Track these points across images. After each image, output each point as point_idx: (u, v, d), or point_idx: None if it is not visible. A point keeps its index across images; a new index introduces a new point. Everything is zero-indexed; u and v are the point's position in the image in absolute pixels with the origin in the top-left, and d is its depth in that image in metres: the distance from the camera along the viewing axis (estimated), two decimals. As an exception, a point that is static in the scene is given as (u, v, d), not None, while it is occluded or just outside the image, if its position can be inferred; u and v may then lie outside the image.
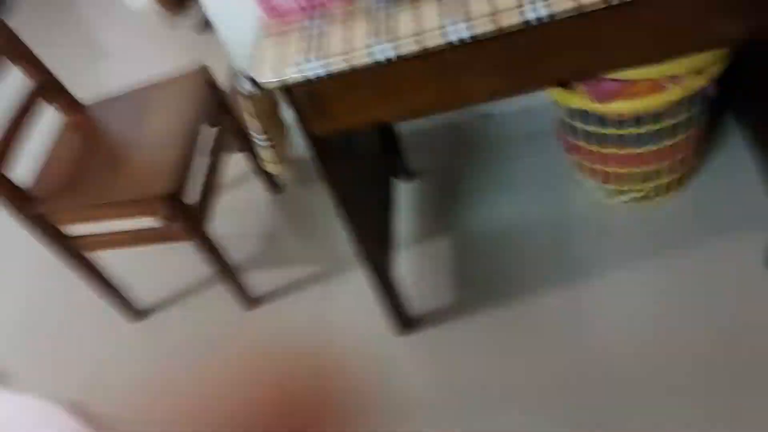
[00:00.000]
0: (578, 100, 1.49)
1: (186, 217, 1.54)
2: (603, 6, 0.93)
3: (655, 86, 1.40)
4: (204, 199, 1.68)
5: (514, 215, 1.83)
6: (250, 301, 1.84)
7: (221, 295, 1.87)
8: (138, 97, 1.82)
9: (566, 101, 1.53)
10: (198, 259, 1.70)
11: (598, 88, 1.42)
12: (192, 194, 1.63)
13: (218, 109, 1.79)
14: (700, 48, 1.10)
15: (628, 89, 1.41)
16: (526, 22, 0.96)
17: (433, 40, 0.98)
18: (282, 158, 1.16)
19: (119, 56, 3.19)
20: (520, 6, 0.95)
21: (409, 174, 1.97)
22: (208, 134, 1.77)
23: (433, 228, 1.90)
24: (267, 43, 1.12)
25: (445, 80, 1.05)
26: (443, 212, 1.91)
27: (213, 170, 1.74)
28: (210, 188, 1.71)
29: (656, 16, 0.98)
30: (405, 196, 1.99)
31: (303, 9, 1.13)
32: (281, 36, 1.12)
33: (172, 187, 1.50)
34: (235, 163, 2.02)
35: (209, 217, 1.70)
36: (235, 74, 1.60)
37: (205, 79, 1.79)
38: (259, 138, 1.12)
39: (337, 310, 1.77)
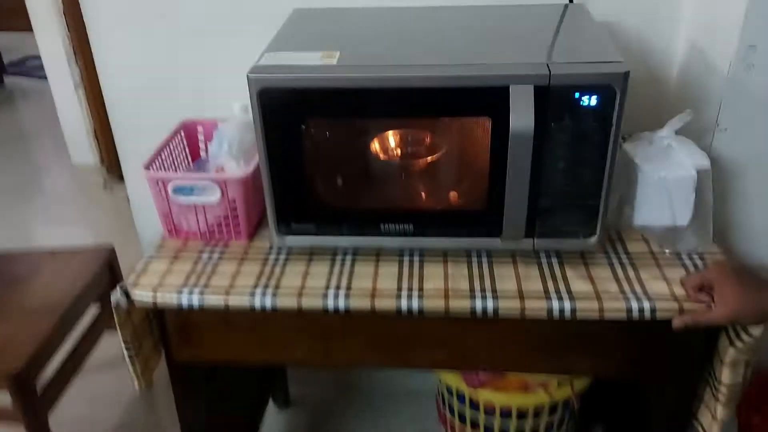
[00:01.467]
0: (453, 378, 1.46)
1: (27, 401, 1.40)
2: (468, 315, 0.97)
3: (523, 385, 1.41)
4: (56, 382, 1.53)
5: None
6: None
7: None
8: (27, 261, 1.68)
9: (443, 376, 1.49)
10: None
11: (471, 373, 1.41)
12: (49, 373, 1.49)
13: (110, 289, 1.58)
14: (553, 372, 1.18)
15: (497, 381, 1.42)
16: (399, 309, 0.97)
17: (312, 302, 0.98)
18: (145, 374, 1.09)
19: (45, 204, 2.96)
20: (398, 290, 0.98)
21: (286, 400, 1.81)
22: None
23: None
24: (155, 260, 1.08)
25: (318, 341, 1.06)
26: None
27: (78, 351, 1.61)
28: (68, 369, 1.57)
29: (516, 336, 1.02)
30: (276, 424, 1.80)
31: (203, 237, 1.12)
32: (173, 257, 1.09)
33: (22, 367, 1.36)
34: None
35: (55, 402, 1.52)
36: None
37: (105, 258, 1.67)
38: (124, 348, 1.05)
39: None
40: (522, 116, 0.89)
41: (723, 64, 1.09)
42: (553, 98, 0.90)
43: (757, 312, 0.91)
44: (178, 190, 1.06)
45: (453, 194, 1.07)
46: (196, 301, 0.99)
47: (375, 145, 1.11)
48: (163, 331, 1.06)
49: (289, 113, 0.95)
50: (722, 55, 1.10)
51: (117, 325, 1.02)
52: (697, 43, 1.21)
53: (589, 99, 0.90)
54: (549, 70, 0.89)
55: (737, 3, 1.04)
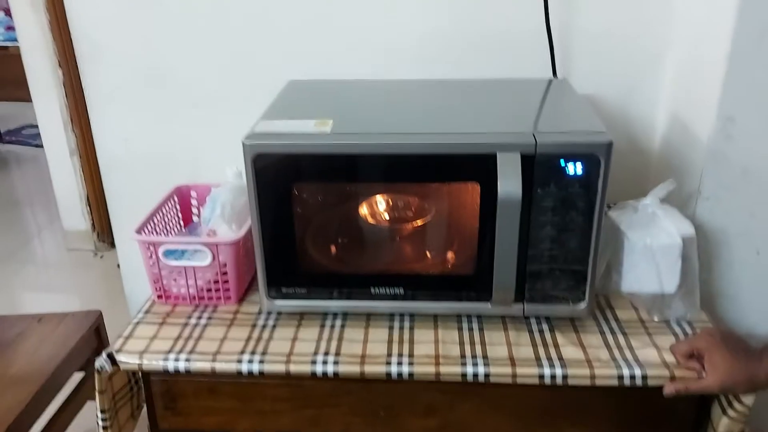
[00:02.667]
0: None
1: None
2: (459, 380, 0.97)
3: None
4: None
5: None
6: None
7: None
8: (12, 326, 1.66)
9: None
10: None
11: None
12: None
13: (95, 356, 1.63)
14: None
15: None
16: (388, 374, 0.97)
17: (301, 368, 0.98)
18: None
19: (35, 271, 2.98)
20: (389, 356, 0.98)
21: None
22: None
23: None
24: (142, 324, 1.08)
25: (306, 409, 1.04)
26: None
27: (59, 420, 1.59)
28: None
29: (507, 404, 1.01)
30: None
31: (193, 300, 1.12)
32: (161, 322, 1.08)
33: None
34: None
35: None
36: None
37: (92, 323, 1.66)
38: (98, 416, 1.04)
39: None
40: (509, 183, 0.91)
41: (703, 135, 1.13)
42: (539, 166, 0.92)
43: (748, 380, 0.90)
44: (169, 254, 1.06)
45: (443, 258, 1.08)
46: (182, 366, 0.97)
47: (366, 210, 1.12)
48: (148, 397, 1.04)
49: (283, 179, 0.97)
50: (702, 126, 1.14)
51: (96, 392, 1.00)
52: (678, 115, 1.26)
53: (575, 167, 0.92)
54: (535, 139, 0.91)
55: (714, 76, 1.09)
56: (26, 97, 2.82)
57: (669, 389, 0.93)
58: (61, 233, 3.04)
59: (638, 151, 1.35)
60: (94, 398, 1.03)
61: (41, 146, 2.89)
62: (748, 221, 1.16)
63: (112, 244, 2.86)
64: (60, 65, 2.57)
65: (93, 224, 2.92)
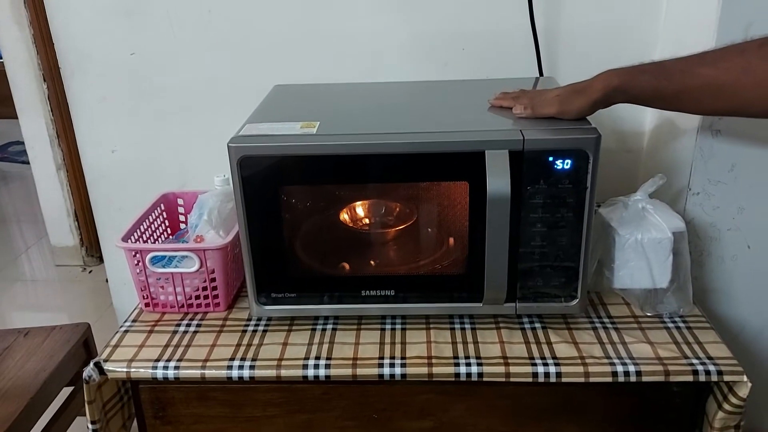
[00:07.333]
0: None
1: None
2: (452, 380, 0.96)
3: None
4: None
5: None
6: None
7: None
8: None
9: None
10: None
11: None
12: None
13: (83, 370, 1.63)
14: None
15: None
16: (381, 376, 0.96)
17: (292, 372, 0.97)
18: None
19: (22, 288, 2.98)
20: (381, 358, 0.98)
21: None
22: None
23: None
24: (130, 333, 1.06)
25: (298, 414, 1.03)
26: None
27: None
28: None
29: (502, 403, 1.01)
30: None
31: (181, 308, 1.11)
32: (149, 330, 1.07)
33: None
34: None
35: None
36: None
37: (80, 337, 1.63)
38: (89, 427, 1.03)
39: None
40: (498, 180, 0.91)
41: (691, 130, 1.13)
42: (527, 163, 0.92)
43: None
44: (156, 261, 1.05)
45: (433, 259, 1.07)
46: (171, 374, 0.96)
47: (354, 212, 1.11)
48: (137, 406, 1.02)
49: (269, 182, 0.96)
50: (689, 122, 1.14)
51: (86, 402, 0.98)
52: (665, 112, 1.26)
53: (563, 163, 0.92)
54: (523, 135, 0.91)
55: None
56: (12, 114, 2.81)
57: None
58: (49, 249, 3.01)
59: (627, 150, 1.35)
60: (83, 414, 1.01)
61: (27, 163, 2.87)
62: (737, 216, 1.16)
63: (101, 259, 2.83)
64: (45, 79, 2.56)
65: (81, 239, 2.89)
